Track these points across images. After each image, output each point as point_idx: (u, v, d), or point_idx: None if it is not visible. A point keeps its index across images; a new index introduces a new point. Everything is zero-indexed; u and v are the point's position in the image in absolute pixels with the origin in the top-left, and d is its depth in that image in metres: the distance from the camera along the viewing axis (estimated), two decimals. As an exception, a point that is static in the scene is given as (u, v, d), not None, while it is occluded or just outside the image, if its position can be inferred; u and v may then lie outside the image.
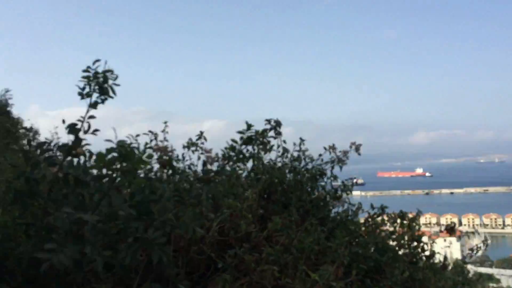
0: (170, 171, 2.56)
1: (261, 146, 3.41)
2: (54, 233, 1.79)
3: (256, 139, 3.34)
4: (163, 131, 3.57)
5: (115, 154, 1.97)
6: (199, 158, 3.40)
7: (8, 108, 9.76)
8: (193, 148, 3.45)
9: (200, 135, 3.48)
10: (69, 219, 1.75)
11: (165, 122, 3.65)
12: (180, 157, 3.44)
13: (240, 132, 3.30)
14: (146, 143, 2.97)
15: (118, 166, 1.99)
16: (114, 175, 1.99)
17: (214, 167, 3.04)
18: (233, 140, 3.29)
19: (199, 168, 3.25)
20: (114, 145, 1.99)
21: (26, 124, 9.59)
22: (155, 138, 3.47)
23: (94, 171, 2.00)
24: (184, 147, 3.48)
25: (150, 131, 3.44)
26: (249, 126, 3.30)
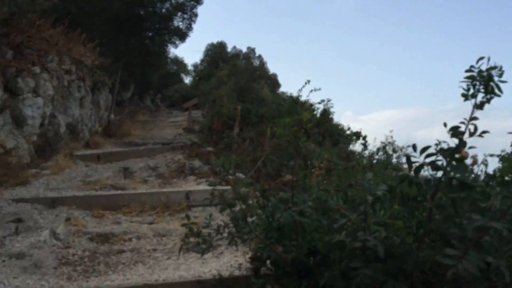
0: None
1: None
2: (452, 239, 1.77)
3: None
4: None
5: None
6: None
7: (330, 116, 10.81)
8: None
9: None
10: (473, 226, 1.68)
11: None
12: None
13: None
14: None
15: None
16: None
17: None
18: None
19: None
20: None
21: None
22: None
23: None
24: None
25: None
26: None
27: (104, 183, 6.23)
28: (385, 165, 5.42)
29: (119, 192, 5.81)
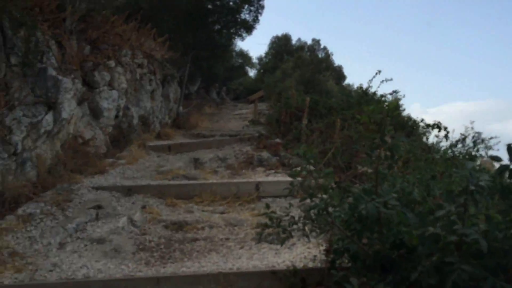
0: None
1: None
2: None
3: None
4: None
5: None
6: None
7: (400, 108, 10.44)
8: None
9: None
10: None
11: None
12: None
13: None
14: None
15: None
16: None
17: None
18: None
19: None
20: None
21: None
22: None
23: None
24: None
25: None
26: None
27: (176, 173, 6.38)
28: (469, 157, 5.14)
29: (191, 182, 5.93)
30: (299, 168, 2.37)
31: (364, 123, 5.78)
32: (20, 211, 4.40)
